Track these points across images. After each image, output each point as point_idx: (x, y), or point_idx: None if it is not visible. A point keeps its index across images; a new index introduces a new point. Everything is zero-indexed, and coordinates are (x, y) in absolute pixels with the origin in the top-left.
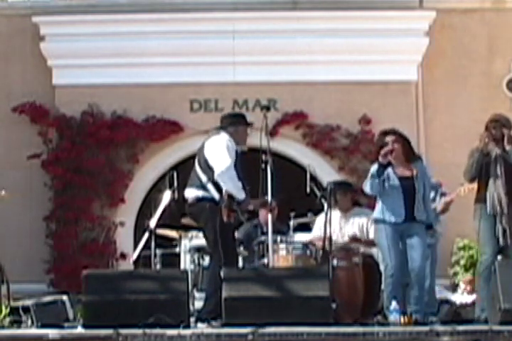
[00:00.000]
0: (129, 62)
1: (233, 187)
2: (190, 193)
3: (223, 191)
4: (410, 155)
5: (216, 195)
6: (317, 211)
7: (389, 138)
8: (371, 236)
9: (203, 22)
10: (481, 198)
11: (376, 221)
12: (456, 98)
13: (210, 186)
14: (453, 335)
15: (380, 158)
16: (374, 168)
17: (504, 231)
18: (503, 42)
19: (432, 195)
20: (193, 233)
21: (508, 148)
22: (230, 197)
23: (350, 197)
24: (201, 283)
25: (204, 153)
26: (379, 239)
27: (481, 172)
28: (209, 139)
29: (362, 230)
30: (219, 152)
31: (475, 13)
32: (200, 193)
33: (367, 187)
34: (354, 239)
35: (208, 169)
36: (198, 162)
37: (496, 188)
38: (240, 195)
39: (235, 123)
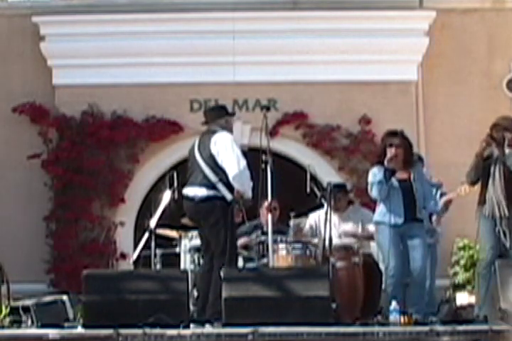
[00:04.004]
0: (129, 62)
1: (248, 186)
2: (197, 191)
3: (235, 191)
4: (408, 161)
5: (227, 195)
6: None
7: (391, 142)
8: (370, 230)
9: (203, 22)
10: (482, 200)
11: (377, 223)
12: (456, 98)
13: (220, 186)
14: (453, 335)
15: (386, 163)
16: (379, 173)
17: (504, 233)
18: (503, 42)
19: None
20: (193, 233)
21: (507, 151)
22: (241, 197)
23: (347, 198)
24: None
25: (211, 151)
26: (380, 241)
27: (482, 175)
28: (213, 137)
29: (359, 227)
30: (232, 153)
31: (475, 13)
32: (211, 192)
33: (374, 193)
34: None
35: (219, 169)
36: (202, 160)
37: (494, 191)
38: (249, 193)
39: (220, 115)
